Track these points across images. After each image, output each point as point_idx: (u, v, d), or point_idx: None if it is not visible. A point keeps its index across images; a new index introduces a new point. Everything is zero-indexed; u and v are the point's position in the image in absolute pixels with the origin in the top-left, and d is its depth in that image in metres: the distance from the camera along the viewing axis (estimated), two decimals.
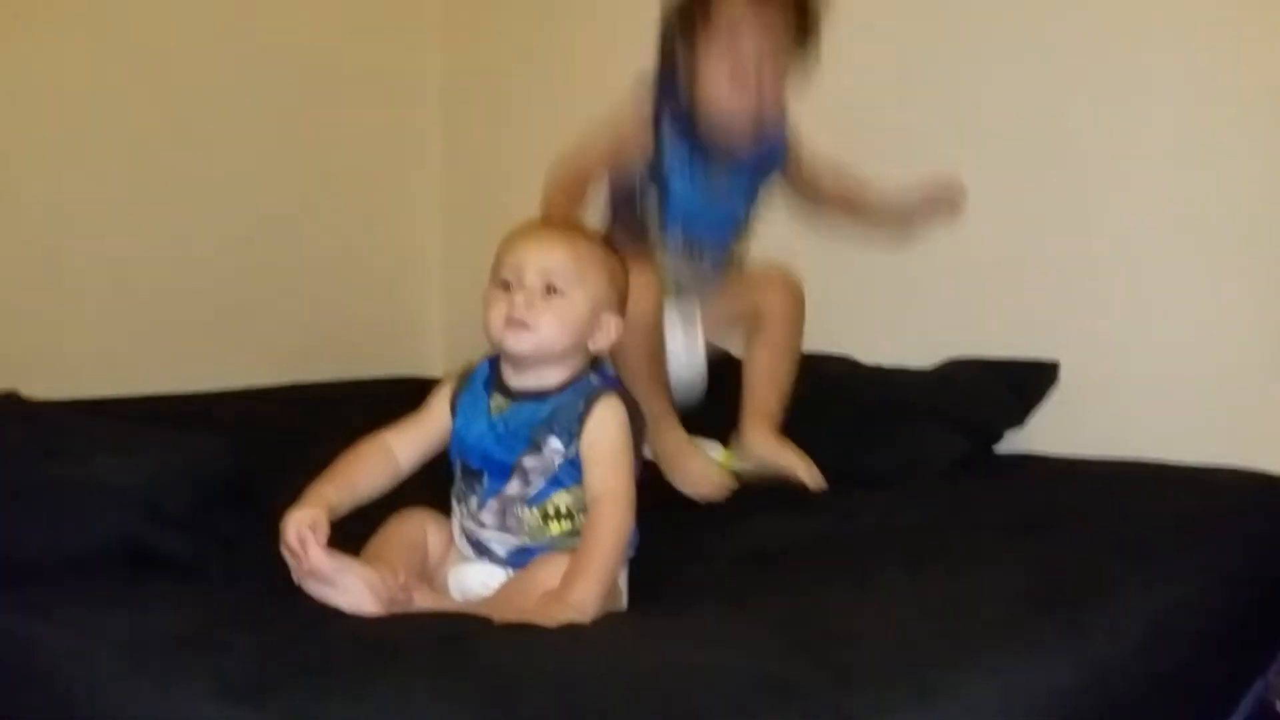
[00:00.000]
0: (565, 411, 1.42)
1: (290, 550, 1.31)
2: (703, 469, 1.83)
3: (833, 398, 2.16)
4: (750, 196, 2.02)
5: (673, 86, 1.88)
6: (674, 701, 0.98)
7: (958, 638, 1.14)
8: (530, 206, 2.90)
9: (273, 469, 1.77)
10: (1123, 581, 1.33)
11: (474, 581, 1.44)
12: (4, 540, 1.31)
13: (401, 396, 2.60)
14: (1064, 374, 2.12)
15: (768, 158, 1.99)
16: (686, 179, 1.92)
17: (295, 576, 1.32)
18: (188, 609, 1.22)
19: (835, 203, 2.11)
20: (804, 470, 1.83)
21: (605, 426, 1.40)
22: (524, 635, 1.16)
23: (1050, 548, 1.45)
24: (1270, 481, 1.80)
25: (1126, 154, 2.10)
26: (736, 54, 1.80)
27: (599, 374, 1.48)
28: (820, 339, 2.32)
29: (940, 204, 2.09)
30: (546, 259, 1.42)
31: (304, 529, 1.31)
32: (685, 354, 1.93)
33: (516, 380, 1.45)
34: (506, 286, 1.43)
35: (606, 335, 1.46)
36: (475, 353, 3.09)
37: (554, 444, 1.41)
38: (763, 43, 1.80)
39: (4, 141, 2.40)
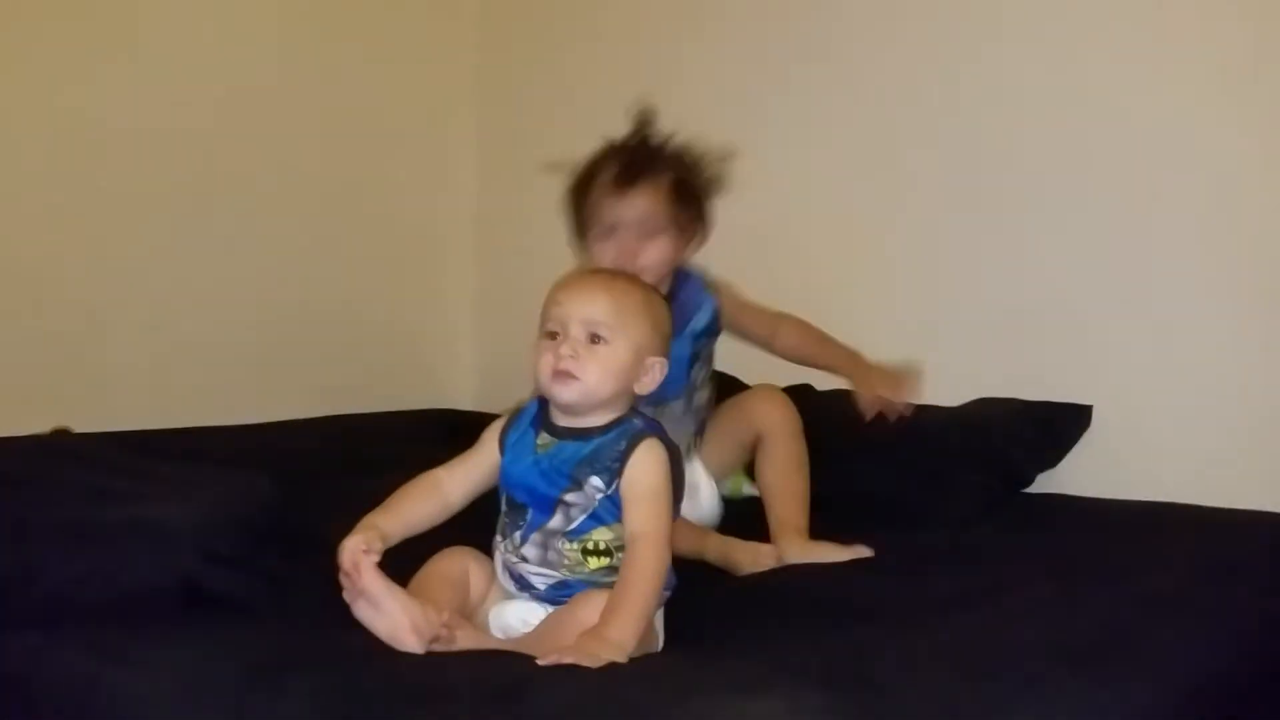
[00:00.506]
0: (607, 451, 1.46)
1: (344, 571, 1.37)
2: (753, 555, 1.80)
3: (861, 432, 2.18)
4: (690, 362, 1.96)
5: None
6: None
7: (1000, 692, 1.16)
8: (559, 243, 2.97)
9: (316, 503, 1.82)
10: (1164, 633, 1.34)
11: (514, 619, 1.48)
12: (62, 579, 1.35)
13: (434, 429, 2.69)
14: (1094, 415, 2.13)
15: (694, 323, 1.96)
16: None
17: (347, 597, 1.38)
18: (246, 650, 1.25)
19: (793, 359, 2.12)
20: (849, 555, 1.77)
21: (646, 468, 1.44)
22: (573, 680, 1.18)
23: (1089, 597, 1.45)
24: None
25: (1160, 198, 2.11)
26: (611, 234, 1.86)
27: (642, 417, 1.51)
28: None
29: (895, 397, 2.02)
30: (589, 309, 1.47)
31: (358, 552, 1.38)
32: (705, 502, 1.96)
33: (563, 419, 1.50)
34: (553, 336, 1.48)
35: (652, 378, 1.50)
36: (505, 384, 3.13)
37: (595, 482, 1.45)
38: (633, 219, 1.84)
39: (47, 184, 2.45)
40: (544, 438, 1.50)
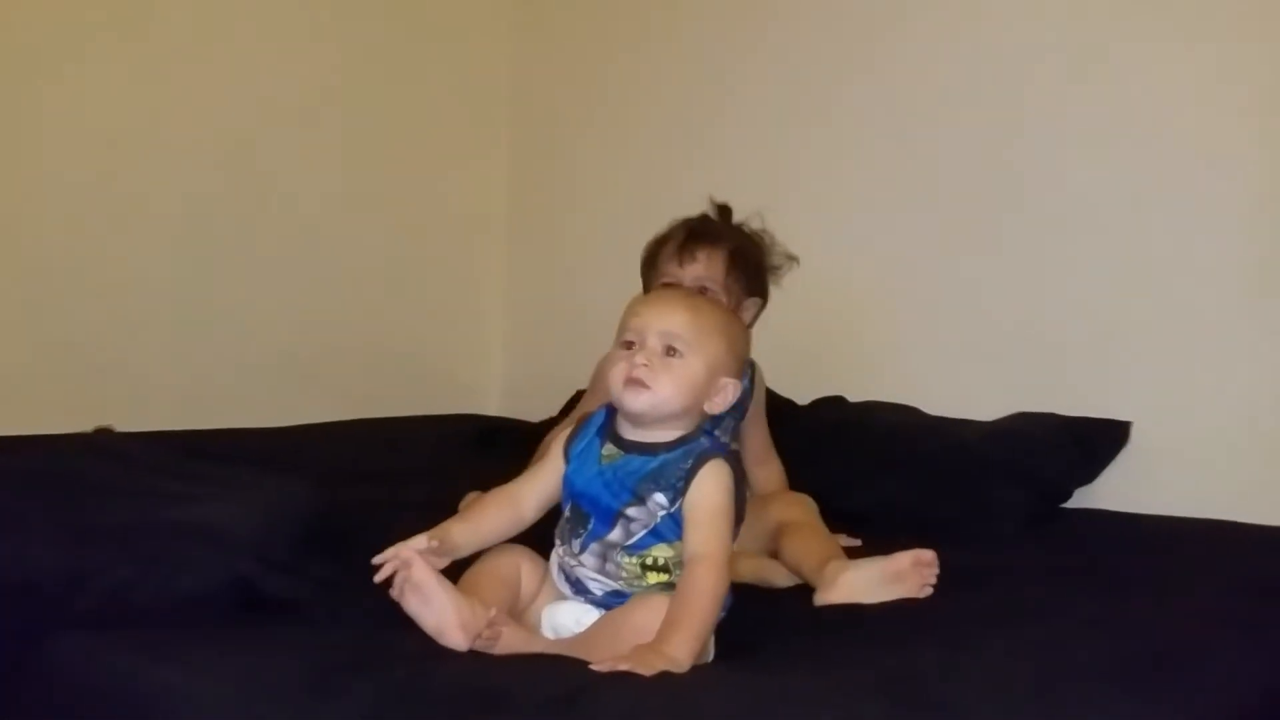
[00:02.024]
0: (672, 468, 1.45)
1: (400, 559, 1.38)
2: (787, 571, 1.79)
3: (899, 446, 2.19)
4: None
5: None
6: None
7: (1060, 713, 1.15)
8: (589, 253, 2.97)
9: (355, 508, 1.83)
10: (1218, 652, 1.34)
11: (568, 619, 1.47)
12: (117, 580, 1.35)
13: (463, 435, 2.69)
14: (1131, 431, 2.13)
15: None
16: None
17: (394, 590, 1.38)
18: (304, 654, 1.25)
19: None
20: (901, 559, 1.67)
21: (710, 489, 1.43)
22: (632, 688, 1.18)
23: (1140, 615, 1.45)
24: None
25: (1200, 213, 2.12)
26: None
27: (710, 437, 1.50)
28: (885, 389, 2.37)
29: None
30: (668, 321, 1.47)
31: (415, 548, 1.39)
32: None
33: (630, 433, 1.49)
34: (629, 346, 1.48)
35: (723, 398, 1.50)
36: (534, 391, 3.14)
37: (658, 498, 1.44)
38: (690, 280, 1.94)
39: (84, 190, 2.48)
40: (609, 448, 1.49)
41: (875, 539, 1.84)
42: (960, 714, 1.14)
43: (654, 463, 1.46)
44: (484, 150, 3.13)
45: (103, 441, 1.80)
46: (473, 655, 1.32)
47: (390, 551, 1.41)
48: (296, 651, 1.25)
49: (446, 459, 2.49)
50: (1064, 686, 1.23)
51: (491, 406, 3.07)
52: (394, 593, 1.39)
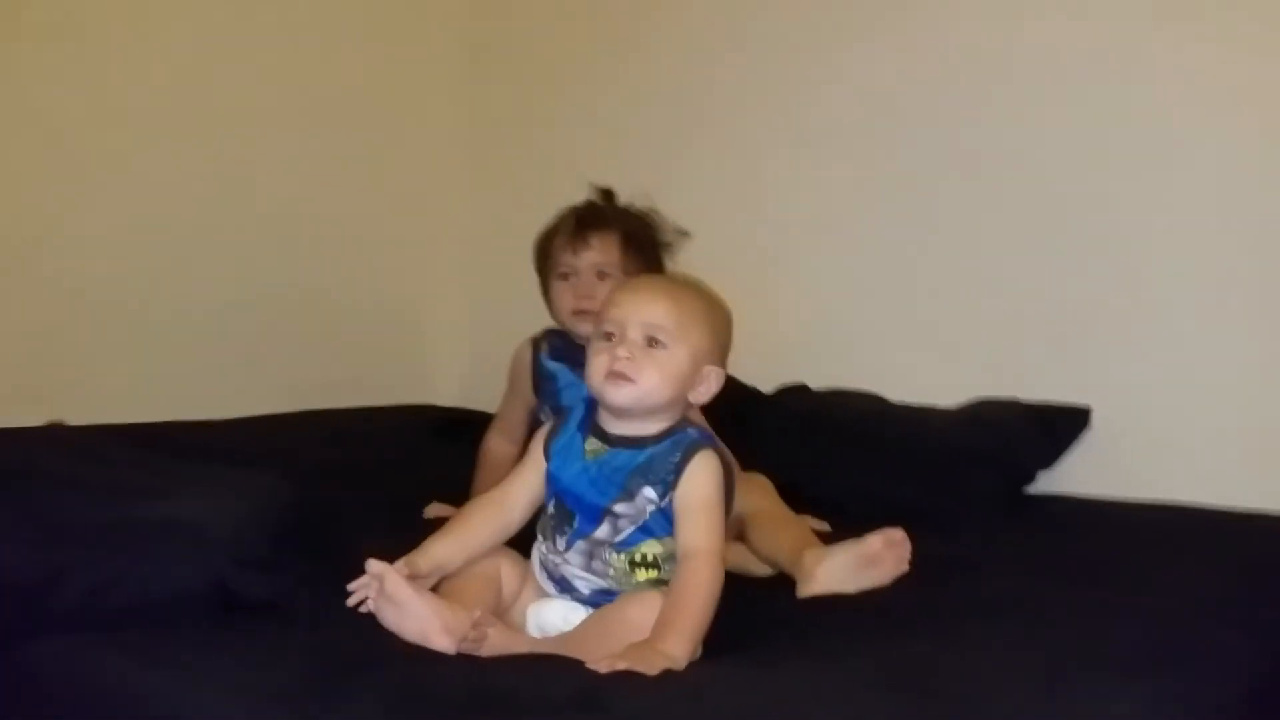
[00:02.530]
0: (661, 461, 1.43)
1: (371, 575, 1.34)
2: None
3: (868, 434, 2.19)
4: None
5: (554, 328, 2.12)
6: None
7: (1076, 696, 1.16)
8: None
9: (321, 506, 1.78)
10: (1213, 638, 1.35)
11: (555, 618, 1.46)
12: (93, 581, 1.31)
13: (422, 425, 2.65)
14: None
15: None
16: (578, 396, 1.98)
17: (371, 604, 1.35)
18: (298, 655, 1.22)
19: None
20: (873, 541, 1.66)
21: (701, 481, 1.42)
22: (647, 690, 1.16)
23: (1129, 603, 1.46)
24: None
25: (1160, 200, 2.13)
26: (567, 278, 2.02)
27: (694, 426, 1.49)
28: (848, 376, 2.37)
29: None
30: (649, 312, 1.44)
31: (383, 563, 1.35)
32: None
33: (614, 426, 1.47)
34: (609, 337, 1.45)
35: (707, 387, 1.48)
36: (492, 381, 3.10)
37: (648, 493, 1.42)
38: (585, 266, 1.99)
39: (29, 175, 2.39)
40: (593, 443, 1.47)
41: (848, 526, 1.81)
42: (977, 705, 1.13)
43: (641, 456, 1.44)
44: (445, 133, 3.07)
45: (59, 435, 1.73)
46: (465, 657, 1.30)
47: (361, 580, 1.37)
48: (288, 653, 1.22)
49: (406, 452, 2.45)
50: (1072, 675, 1.23)
51: (451, 395, 3.02)
52: (369, 608, 1.36)
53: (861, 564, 1.61)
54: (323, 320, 2.85)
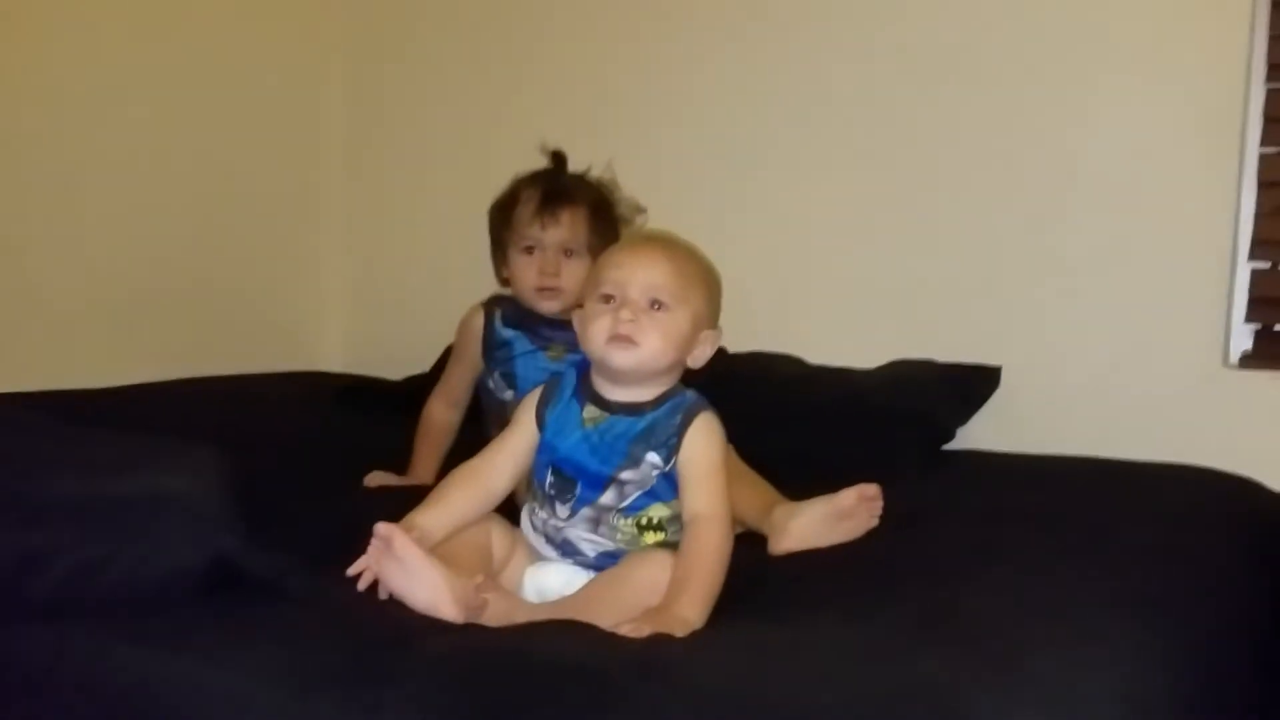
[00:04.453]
0: (662, 426, 1.43)
1: (378, 536, 1.31)
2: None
3: (791, 395, 2.23)
4: None
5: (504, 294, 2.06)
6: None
7: (1093, 630, 1.22)
8: (428, 205, 2.87)
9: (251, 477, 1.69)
10: (1179, 581, 1.44)
11: (556, 582, 1.45)
12: (79, 562, 1.21)
13: (311, 393, 2.55)
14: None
15: None
16: (532, 365, 1.99)
17: (375, 567, 1.32)
18: (330, 633, 1.17)
19: None
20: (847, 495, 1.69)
21: (704, 444, 1.43)
22: (702, 654, 1.16)
23: (1086, 552, 1.53)
24: (1220, 476, 1.97)
25: (1066, 164, 2.23)
26: (531, 252, 1.97)
27: (691, 389, 1.49)
28: (766, 339, 2.41)
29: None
30: (652, 275, 1.43)
31: (393, 526, 1.33)
32: None
33: (612, 392, 1.45)
34: (608, 300, 1.43)
35: (703, 351, 1.48)
36: (376, 347, 3.02)
37: (652, 458, 1.42)
38: (553, 242, 1.95)
39: None
40: (591, 410, 1.45)
41: (782, 487, 1.87)
42: (1021, 647, 1.17)
43: (642, 422, 1.44)
44: (322, 99, 2.96)
45: None
46: (478, 626, 1.27)
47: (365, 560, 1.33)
48: (316, 632, 1.17)
49: (311, 422, 2.36)
50: (1082, 614, 1.28)
51: (334, 362, 2.92)
52: (372, 569, 1.32)
53: (835, 518, 1.65)
54: (198, 286, 2.72)
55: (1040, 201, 2.26)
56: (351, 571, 1.33)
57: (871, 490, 1.66)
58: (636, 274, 1.43)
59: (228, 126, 2.73)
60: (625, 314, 1.41)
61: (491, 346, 2.01)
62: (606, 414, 1.44)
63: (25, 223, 2.39)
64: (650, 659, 1.13)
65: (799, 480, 1.88)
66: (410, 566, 1.30)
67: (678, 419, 1.43)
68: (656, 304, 1.43)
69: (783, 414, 2.17)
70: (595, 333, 1.42)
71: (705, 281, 1.49)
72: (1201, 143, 2.15)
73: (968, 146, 2.31)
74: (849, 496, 1.64)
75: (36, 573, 1.20)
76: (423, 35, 2.90)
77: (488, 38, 2.81)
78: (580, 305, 1.96)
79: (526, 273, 1.96)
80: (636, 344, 1.41)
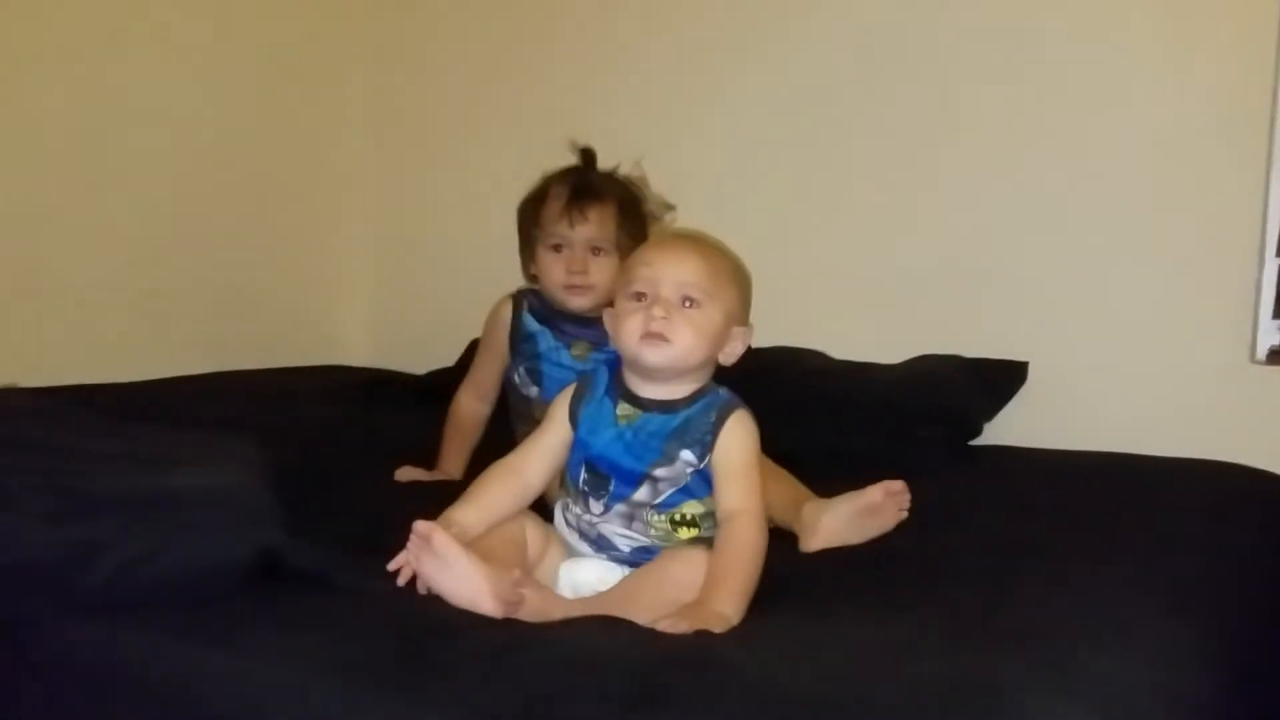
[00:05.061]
0: (697, 423, 1.44)
1: (417, 534, 1.32)
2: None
3: (816, 389, 2.23)
4: None
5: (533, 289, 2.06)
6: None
7: (1139, 629, 1.23)
8: (454, 199, 2.88)
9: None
10: (1211, 574, 1.46)
11: (591, 577, 1.45)
12: (128, 556, 1.22)
13: (345, 386, 2.57)
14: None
15: None
16: (554, 362, 2.00)
17: (414, 562, 1.33)
18: (373, 626, 1.18)
19: None
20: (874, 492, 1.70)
21: (738, 442, 1.44)
22: (753, 648, 1.17)
23: (1124, 539, 1.55)
24: (1247, 472, 1.97)
25: (1094, 157, 2.23)
26: (559, 250, 1.96)
27: (723, 386, 1.49)
28: (789, 334, 2.41)
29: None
30: (684, 272, 1.44)
31: (432, 524, 1.34)
32: None
33: (646, 390, 1.46)
34: (639, 298, 1.43)
35: (733, 348, 1.48)
36: (400, 341, 3.03)
37: (686, 456, 1.42)
38: (581, 240, 1.94)
39: None
40: (625, 408, 1.46)
41: (809, 482, 1.87)
42: (1072, 644, 1.18)
43: (676, 420, 1.44)
44: (349, 90, 2.97)
45: (29, 402, 1.60)
46: (517, 621, 1.28)
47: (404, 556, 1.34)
48: (358, 627, 1.18)
49: (337, 415, 2.37)
50: (1130, 612, 1.29)
51: (358, 356, 2.94)
52: (411, 565, 1.33)
53: (864, 514, 1.65)
54: (224, 281, 2.74)
55: (1066, 196, 2.26)
56: (391, 567, 1.34)
57: (897, 485, 1.67)
58: (668, 271, 1.44)
59: (254, 122, 2.74)
60: (658, 311, 1.42)
61: (518, 339, 2.02)
62: (640, 411, 1.45)
63: (53, 218, 2.41)
64: (694, 654, 1.14)
65: (827, 475, 1.89)
66: (450, 562, 1.31)
67: (712, 416, 1.44)
68: (689, 301, 1.44)
69: (809, 409, 2.17)
70: (628, 330, 1.43)
71: (736, 278, 1.49)
72: (1229, 138, 2.14)
73: (994, 141, 2.31)
74: (875, 493, 1.66)
75: (88, 567, 1.21)
76: (447, 30, 2.91)
77: (512, 32, 2.81)
78: (610, 304, 2.00)
79: (554, 270, 1.96)
80: (669, 341, 1.41)
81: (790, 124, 2.50)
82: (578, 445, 1.47)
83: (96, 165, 2.47)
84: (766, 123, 2.52)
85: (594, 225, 1.95)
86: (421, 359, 2.72)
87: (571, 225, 1.95)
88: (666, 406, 1.45)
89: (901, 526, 1.69)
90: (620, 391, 1.47)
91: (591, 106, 2.69)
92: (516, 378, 2.02)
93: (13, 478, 1.25)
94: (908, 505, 1.69)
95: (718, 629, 1.27)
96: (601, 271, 1.96)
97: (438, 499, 1.48)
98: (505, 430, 2.03)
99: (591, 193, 1.97)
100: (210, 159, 2.66)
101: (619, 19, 2.68)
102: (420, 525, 1.33)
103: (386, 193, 3.00)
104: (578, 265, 1.95)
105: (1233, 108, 2.14)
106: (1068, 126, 2.25)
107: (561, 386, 1.94)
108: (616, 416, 1.46)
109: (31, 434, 1.39)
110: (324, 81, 2.92)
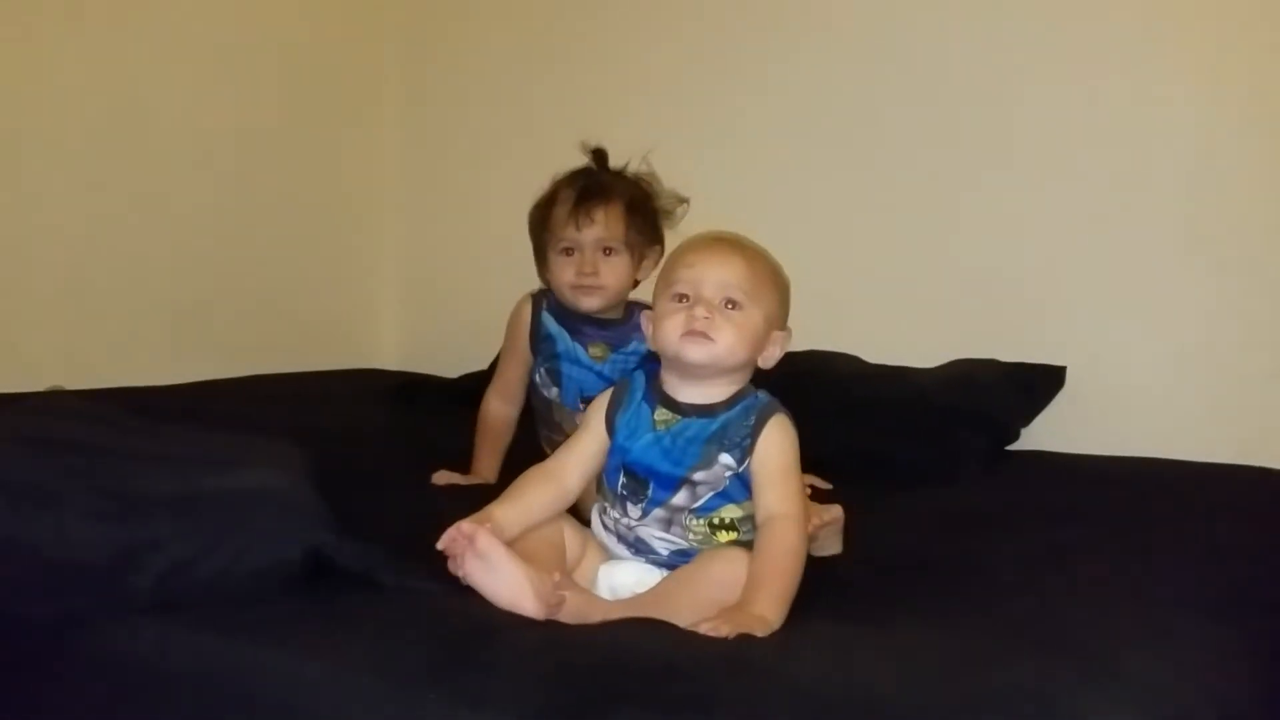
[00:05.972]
0: (735, 427, 1.44)
1: (462, 533, 1.33)
2: None
3: (853, 393, 2.23)
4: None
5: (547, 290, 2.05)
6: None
7: (1186, 637, 1.23)
8: (482, 204, 2.89)
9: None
10: (1250, 579, 1.45)
11: (629, 579, 1.45)
12: (177, 556, 1.23)
13: (376, 389, 2.58)
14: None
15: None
16: (573, 361, 2.00)
17: (455, 563, 1.33)
18: (419, 626, 1.18)
19: None
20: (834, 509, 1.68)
21: (778, 446, 1.43)
22: (795, 653, 1.17)
23: (1166, 546, 1.55)
24: None
25: (1132, 164, 2.23)
26: (570, 253, 1.96)
27: (762, 390, 1.49)
28: (822, 338, 2.41)
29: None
30: (726, 273, 1.44)
31: (474, 524, 1.34)
32: None
33: (683, 394, 1.46)
34: (681, 299, 1.44)
35: (771, 353, 1.49)
36: (430, 345, 3.04)
37: (725, 459, 1.42)
38: (590, 241, 1.94)
39: None
40: (663, 413, 1.46)
41: (840, 484, 1.88)
42: (1115, 653, 1.17)
43: (715, 424, 1.44)
44: (381, 97, 3.00)
45: (75, 405, 1.62)
46: (558, 623, 1.28)
47: (449, 532, 1.35)
48: (408, 627, 1.18)
49: (370, 419, 2.39)
50: (1173, 620, 1.29)
51: (389, 360, 2.95)
52: (454, 567, 1.34)
53: (836, 531, 1.65)
54: (257, 286, 2.79)
55: (1105, 200, 2.26)
56: (440, 545, 1.34)
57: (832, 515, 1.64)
58: (710, 272, 1.44)
59: (287, 133, 2.78)
60: (700, 311, 1.42)
61: (538, 338, 2.01)
62: (678, 416, 1.45)
63: (90, 225, 2.46)
64: (739, 657, 1.14)
65: (864, 480, 1.90)
66: (493, 562, 1.31)
67: (751, 420, 1.44)
68: (730, 303, 1.44)
69: (844, 413, 2.17)
70: (669, 330, 1.43)
71: (776, 282, 1.49)
72: (1267, 142, 2.14)
73: (1034, 145, 2.31)
74: (836, 509, 1.64)
75: (139, 568, 1.22)
76: (476, 35, 2.93)
77: (540, 36, 2.83)
78: (626, 303, 2.00)
79: (564, 272, 1.96)
80: (712, 339, 1.41)
81: (828, 127, 2.50)
82: (616, 450, 1.47)
83: (139, 180, 2.53)
84: (805, 126, 2.53)
85: (601, 226, 1.95)
86: (454, 362, 2.73)
87: (579, 228, 1.95)
88: (705, 411, 1.45)
89: (939, 532, 1.68)
90: (658, 396, 1.47)
91: (627, 111, 2.70)
92: (538, 378, 2.02)
93: (61, 478, 1.26)
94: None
95: (760, 633, 1.27)
96: (613, 271, 1.96)
97: (476, 502, 1.48)
98: (533, 434, 2.04)
99: (598, 193, 1.97)
100: (246, 170, 2.71)
101: (657, 21, 2.68)
102: (464, 525, 1.34)
103: (418, 198, 3.02)
104: (588, 266, 1.94)
105: (1270, 113, 2.14)
106: (1108, 130, 2.25)
107: (580, 387, 1.97)
108: (654, 421, 1.45)
109: (78, 435, 1.40)
110: (356, 91, 2.95)
